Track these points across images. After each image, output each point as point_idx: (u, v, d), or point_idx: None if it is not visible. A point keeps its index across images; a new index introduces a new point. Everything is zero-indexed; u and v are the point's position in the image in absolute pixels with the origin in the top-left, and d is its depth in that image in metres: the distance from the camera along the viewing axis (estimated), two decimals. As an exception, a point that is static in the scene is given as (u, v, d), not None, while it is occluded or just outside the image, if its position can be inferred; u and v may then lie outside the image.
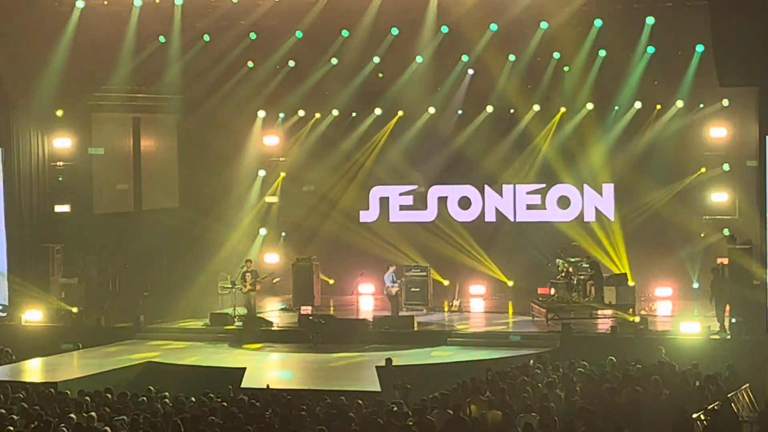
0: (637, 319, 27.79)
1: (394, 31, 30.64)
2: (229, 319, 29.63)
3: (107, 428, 16.56)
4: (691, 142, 32.16)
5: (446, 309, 31.64)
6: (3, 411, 18.15)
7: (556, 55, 30.79)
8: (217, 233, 34.06)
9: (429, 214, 34.74)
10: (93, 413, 17.73)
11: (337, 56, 31.71)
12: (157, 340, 28.69)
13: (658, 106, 32.13)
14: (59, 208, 31.47)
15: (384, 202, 35.07)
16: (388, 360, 23.54)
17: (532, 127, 33.26)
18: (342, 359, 26.34)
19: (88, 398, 19.39)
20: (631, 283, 30.08)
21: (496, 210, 34.28)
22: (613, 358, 22.54)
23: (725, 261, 27.66)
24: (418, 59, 31.66)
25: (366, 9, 29.74)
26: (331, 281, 34.08)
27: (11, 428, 16.63)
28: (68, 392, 20.64)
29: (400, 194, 34.93)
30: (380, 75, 32.75)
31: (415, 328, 28.65)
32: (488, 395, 19.29)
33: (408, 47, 31.17)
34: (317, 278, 32.79)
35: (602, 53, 30.39)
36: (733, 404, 19.17)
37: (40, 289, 30.08)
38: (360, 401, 18.85)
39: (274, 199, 35.85)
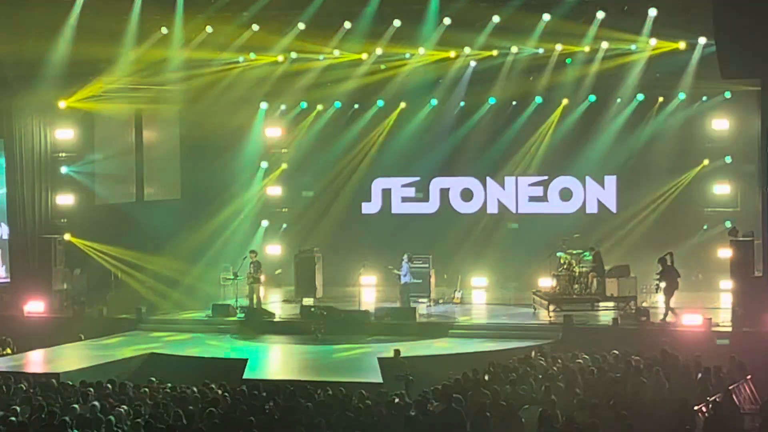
0: (638, 310, 27.81)
1: (397, 23, 30.61)
2: (231, 310, 29.66)
3: (111, 417, 16.56)
4: (693, 134, 32.19)
5: (448, 300, 31.63)
6: (6, 402, 18.20)
7: (558, 46, 30.75)
8: (218, 224, 34.09)
9: (431, 206, 34.79)
10: (95, 403, 17.75)
11: (339, 48, 31.68)
12: (159, 331, 28.75)
13: (660, 99, 32.16)
14: (61, 199, 31.49)
15: (386, 193, 35.11)
16: (397, 351, 23.51)
17: (534, 119, 33.28)
18: (344, 350, 26.36)
19: (90, 389, 19.43)
20: (632, 275, 30.06)
21: (498, 202, 34.33)
22: (616, 351, 22.55)
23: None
24: (421, 51, 31.62)
25: (368, 0, 29.72)
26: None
27: (14, 419, 16.64)
28: (70, 383, 20.67)
29: (402, 186, 34.98)
30: (382, 67, 32.72)
31: (418, 320, 28.68)
32: (490, 386, 19.31)
33: (410, 39, 31.13)
34: (319, 270, 32.79)
35: (604, 45, 30.35)
36: (734, 396, 19.18)
37: (42, 281, 30.08)
38: (362, 392, 18.88)
39: (276, 191, 35.87)
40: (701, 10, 26.97)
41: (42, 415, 17.10)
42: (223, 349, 26.82)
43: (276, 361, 26.75)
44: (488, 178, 34.23)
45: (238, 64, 32.72)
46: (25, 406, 17.86)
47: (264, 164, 35.73)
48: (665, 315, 27.18)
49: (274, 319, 29.53)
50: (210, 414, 17.01)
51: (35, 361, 25.50)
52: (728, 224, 30.14)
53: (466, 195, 34.53)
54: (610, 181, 33.36)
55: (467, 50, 31.53)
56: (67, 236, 31.08)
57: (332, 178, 34.99)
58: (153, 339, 27.80)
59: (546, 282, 30.75)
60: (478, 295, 33.02)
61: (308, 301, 31.13)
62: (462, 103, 33.90)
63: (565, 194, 33.72)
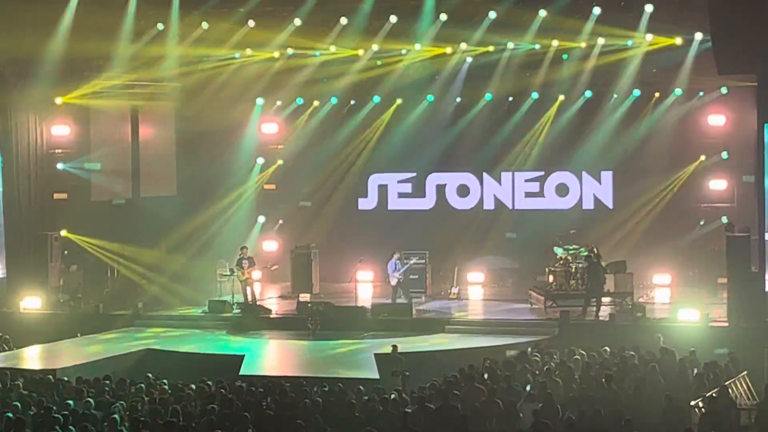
0: (635, 306, 27.82)
1: (393, 19, 30.59)
2: (227, 306, 29.65)
3: (116, 416, 16.52)
4: (690, 129, 32.17)
5: (445, 296, 31.67)
6: (3, 398, 18.20)
7: (555, 42, 30.74)
8: (215, 221, 34.08)
9: (427, 202, 34.79)
10: (91, 400, 17.77)
11: (336, 44, 31.66)
12: (155, 328, 28.72)
13: (657, 94, 32.16)
14: (58, 196, 31.47)
15: (382, 189, 35.10)
16: (394, 347, 23.51)
17: (531, 115, 33.26)
18: (340, 347, 26.36)
19: (86, 385, 19.43)
20: (629, 271, 30.06)
21: (495, 198, 34.34)
22: (607, 348, 22.56)
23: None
24: (417, 47, 31.61)
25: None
26: None
27: (10, 415, 16.64)
28: (67, 379, 20.66)
29: (399, 182, 34.98)
30: (378, 63, 32.72)
31: (414, 316, 28.67)
32: (486, 382, 19.34)
33: (406, 35, 31.12)
34: (316, 266, 32.79)
35: (601, 41, 30.35)
36: (730, 392, 19.21)
37: (38, 277, 30.08)
38: (359, 388, 18.88)
39: (272, 187, 35.86)
40: (697, 6, 27.00)
41: (39, 411, 17.12)
42: (219, 345, 26.82)
43: (273, 357, 26.77)
44: (485, 174, 34.23)
45: (234, 60, 32.70)
46: (22, 402, 17.86)
47: (260, 160, 35.71)
48: (591, 311, 27.78)
49: (271, 315, 29.52)
50: (207, 410, 17.03)
51: (32, 358, 25.48)
52: (725, 220, 30.16)
53: (463, 191, 34.53)
54: (607, 176, 33.36)
55: (463, 46, 31.54)
56: (63, 232, 31.08)
57: (328, 174, 34.97)
58: (149, 335, 27.79)
59: (542, 278, 30.76)
60: (475, 290, 33.00)
61: (305, 297, 31.12)
62: (458, 99, 33.85)
63: (562, 190, 33.72)
